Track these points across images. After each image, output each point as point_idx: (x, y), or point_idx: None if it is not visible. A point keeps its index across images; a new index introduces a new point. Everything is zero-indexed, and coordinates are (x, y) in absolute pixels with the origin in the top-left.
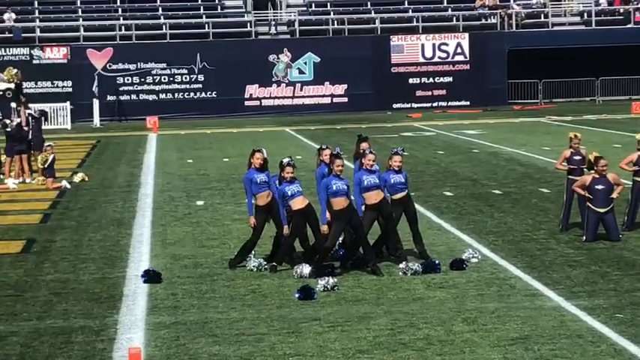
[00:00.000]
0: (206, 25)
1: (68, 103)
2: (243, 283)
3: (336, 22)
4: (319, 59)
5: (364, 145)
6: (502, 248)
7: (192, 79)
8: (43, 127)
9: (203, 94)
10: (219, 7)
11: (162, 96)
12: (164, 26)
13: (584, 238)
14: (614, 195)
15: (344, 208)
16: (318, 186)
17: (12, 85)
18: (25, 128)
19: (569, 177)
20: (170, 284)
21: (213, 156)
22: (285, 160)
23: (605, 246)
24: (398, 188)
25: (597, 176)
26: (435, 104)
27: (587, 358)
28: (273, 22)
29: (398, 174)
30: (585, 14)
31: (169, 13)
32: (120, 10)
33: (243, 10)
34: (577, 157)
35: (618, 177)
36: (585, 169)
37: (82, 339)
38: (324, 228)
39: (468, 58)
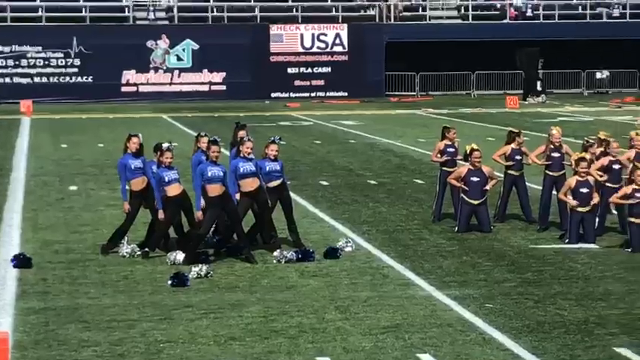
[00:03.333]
0: (83, 9)
1: None
2: (116, 270)
3: (215, 9)
4: (198, 46)
5: (241, 132)
6: (376, 238)
7: (68, 64)
8: None
9: (79, 79)
10: None
11: (37, 80)
12: (40, 9)
13: (457, 229)
14: (488, 187)
15: (219, 194)
16: (194, 172)
17: None
18: None
19: (443, 169)
20: (41, 269)
21: (88, 141)
22: (165, 145)
23: (477, 237)
24: (273, 176)
25: (472, 168)
26: (313, 94)
27: (456, 347)
28: (151, 8)
29: (274, 162)
30: (462, 8)
31: None
32: None
33: None
34: (451, 149)
35: (493, 170)
36: (460, 161)
37: None
38: (199, 214)
39: (346, 49)
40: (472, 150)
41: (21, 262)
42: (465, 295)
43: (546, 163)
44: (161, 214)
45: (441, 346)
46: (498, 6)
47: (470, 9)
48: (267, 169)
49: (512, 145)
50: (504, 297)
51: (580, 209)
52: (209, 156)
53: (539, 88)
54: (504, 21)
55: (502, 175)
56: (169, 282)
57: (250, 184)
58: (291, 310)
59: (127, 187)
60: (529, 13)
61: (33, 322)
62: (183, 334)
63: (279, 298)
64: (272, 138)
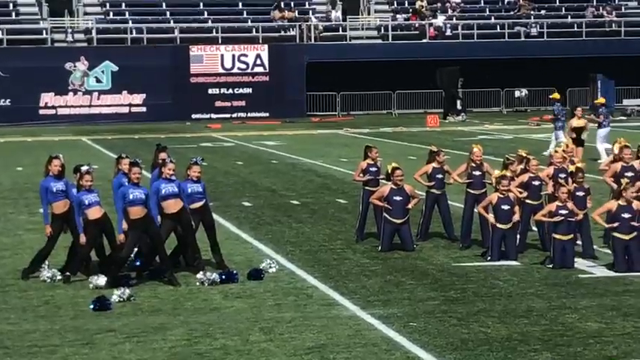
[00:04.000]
0: (0, 32)
1: None
2: (37, 294)
3: (134, 30)
4: (117, 68)
5: (162, 154)
6: (299, 258)
7: None
8: None
9: None
10: (13, 13)
11: None
12: None
13: (380, 248)
14: (410, 206)
15: (141, 217)
16: (115, 195)
17: None
18: None
19: (365, 188)
20: None
21: (6, 165)
22: (84, 168)
23: (400, 256)
24: (196, 198)
25: (394, 187)
26: (234, 115)
27: None
28: (69, 30)
29: (196, 183)
30: (382, 29)
31: None
32: None
33: (39, 17)
34: (373, 169)
35: (414, 189)
36: (382, 181)
37: None
38: (121, 237)
39: (267, 70)
40: (394, 169)
41: None
42: (389, 314)
43: (468, 181)
44: (82, 238)
45: None
46: (417, 25)
47: (390, 29)
48: (190, 190)
49: (434, 164)
50: (428, 315)
51: (501, 226)
52: (130, 178)
53: (459, 106)
54: (424, 41)
55: (424, 194)
56: (91, 306)
57: (173, 206)
58: (215, 332)
59: (49, 211)
60: (448, 32)
61: None
62: (106, 359)
63: (202, 321)
64: (194, 159)
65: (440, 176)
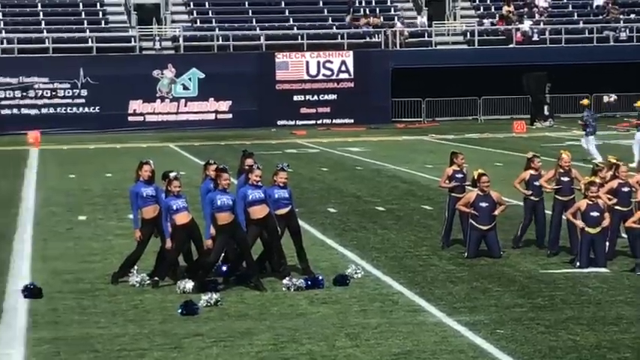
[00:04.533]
0: (90, 40)
1: None
2: (126, 299)
3: (221, 38)
4: (204, 75)
5: (249, 160)
6: (385, 264)
7: (75, 94)
8: None
9: (86, 109)
10: (103, 21)
11: (45, 110)
12: (47, 40)
13: (466, 254)
14: (497, 212)
15: (228, 222)
16: (203, 201)
17: None
18: None
19: (451, 194)
20: (51, 299)
21: (96, 171)
22: (173, 174)
23: (487, 262)
24: (282, 204)
25: (480, 193)
26: (319, 121)
27: None
28: (157, 38)
29: (282, 189)
30: (468, 34)
31: (52, 26)
32: (2, 22)
33: (128, 25)
34: (459, 175)
35: (501, 196)
36: (468, 187)
37: None
38: (208, 243)
39: (352, 76)
40: (480, 175)
41: (31, 292)
42: (475, 321)
43: (556, 187)
44: (169, 243)
45: None
46: (503, 30)
47: (476, 34)
48: (276, 196)
49: (530, 171)
50: (515, 322)
51: (590, 230)
52: (218, 184)
53: (546, 112)
54: (511, 46)
55: (511, 201)
56: (179, 311)
57: (259, 212)
58: (302, 337)
59: (139, 216)
60: (535, 37)
61: (44, 353)
62: None
63: (289, 326)
64: (280, 165)
65: (537, 183)
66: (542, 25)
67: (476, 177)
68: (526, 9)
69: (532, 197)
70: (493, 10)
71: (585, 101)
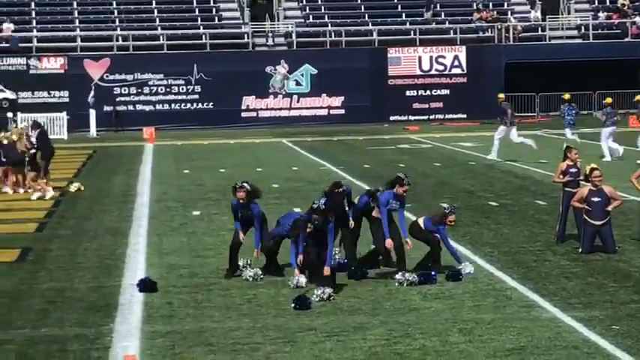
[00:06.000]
0: (203, 36)
1: (65, 113)
2: (239, 293)
3: (333, 33)
4: (316, 71)
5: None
6: (498, 259)
7: (189, 90)
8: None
9: (200, 105)
10: (216, 18)
11: (159, 107)
12: (161, 37)
13: (580, 250)
14: (610, 208)
15: None
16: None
17: (9, 94)
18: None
19: (566, 189)
20: (166, 293)
21: (210, 167)
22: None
23: (602, 258)
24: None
25: (593, 188)
26: (432, 117)
27: None
28: (270, 34)
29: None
30: (583, 28)
31: (167, 24)
32: (117, 20)
33: (241, 21)
34: (573, 170)
35: (615, 190)
36: (582, 182)
37: (77, 347)
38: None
39: (465, 71)
40: (592, 170)
41: (146, 286)
42: (590, 316)
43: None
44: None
45: None
46: (618, 24)
47: (590, 28)
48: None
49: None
50: (631, 318)
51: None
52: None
53: None
54: (626, 40)
55: (627, 196)
56: (292, 305)
57: None
58: (414, 332)
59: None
60: None
61: (159, 346)
62: (307, 357)
63: (402, 321)
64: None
65: None
66: None
67: (588, 172)
68: None
69: None
70: (608, 3)
71: (608, 99)
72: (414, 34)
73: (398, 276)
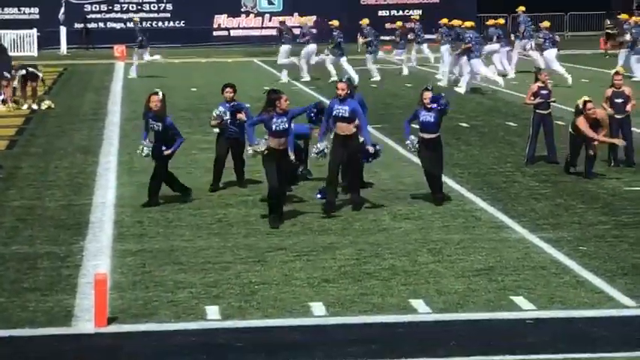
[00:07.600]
0: None
1: (35, 30)
2: (210, 212)
3: None
4: None
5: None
6: (468, 181)
7: (161, 8)
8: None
9: (171, 24)
10: None
11: (130, 25)
12: None
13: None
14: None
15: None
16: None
17: None
18: None
19: (536, 111)
20: (136, 212)
21: (181, 86)
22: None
23: (571, 180)
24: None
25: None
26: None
27: (550, 289)
28: None
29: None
30: None
31: None
32: None
33: None
34: (544, 92)
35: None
36: (552, 103)
37: (48, 265)
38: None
39: None
40: (585, 102)
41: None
42: (558, 237)
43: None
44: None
45: (535, 289)
46: None
47: None
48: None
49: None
50: (598, 239)
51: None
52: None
53: None
54: None
55: None
56: (318, 196)
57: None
58: (384, 252)
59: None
60: None
61: (130, 264)
62: (277, 276)
63: (371, 241)
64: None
65: (618, 100)
66: None
67: (581, 105)
68: None
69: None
70: None
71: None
72: None
73: (408, 142)
